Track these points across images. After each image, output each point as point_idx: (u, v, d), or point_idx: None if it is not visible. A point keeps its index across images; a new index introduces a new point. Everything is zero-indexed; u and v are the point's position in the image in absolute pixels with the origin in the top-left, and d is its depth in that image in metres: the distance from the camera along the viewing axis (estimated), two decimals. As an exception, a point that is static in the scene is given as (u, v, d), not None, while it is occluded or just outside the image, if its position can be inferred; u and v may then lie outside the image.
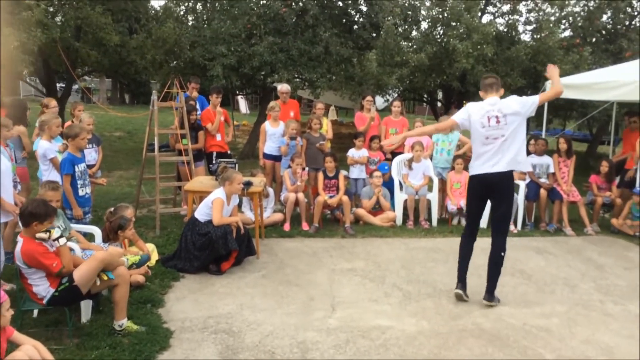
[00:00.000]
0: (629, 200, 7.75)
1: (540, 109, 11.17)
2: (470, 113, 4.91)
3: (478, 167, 4.88)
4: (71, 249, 4.17)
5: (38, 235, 3.70)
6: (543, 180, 7.81)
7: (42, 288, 3.81)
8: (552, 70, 5.03)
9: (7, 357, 3.00)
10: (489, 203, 5.02)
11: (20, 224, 3.85)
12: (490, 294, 4.91)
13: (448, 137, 8.05)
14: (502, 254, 4.90)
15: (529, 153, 8.07)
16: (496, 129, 4.77)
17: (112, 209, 5.55)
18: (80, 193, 5.33)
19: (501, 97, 4.92)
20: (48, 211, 3.77)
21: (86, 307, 4.24)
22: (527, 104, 4.79)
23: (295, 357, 3.85)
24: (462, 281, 4.99)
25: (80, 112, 7.21)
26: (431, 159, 8.12)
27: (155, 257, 5.64)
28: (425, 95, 17.53)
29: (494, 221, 5.03)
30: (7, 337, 3.11)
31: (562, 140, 8.03)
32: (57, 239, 3.74)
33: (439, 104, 17.88)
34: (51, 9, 12.35)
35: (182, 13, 13.03)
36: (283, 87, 8.67)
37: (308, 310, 4.66)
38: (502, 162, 4.75)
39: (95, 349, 3.77)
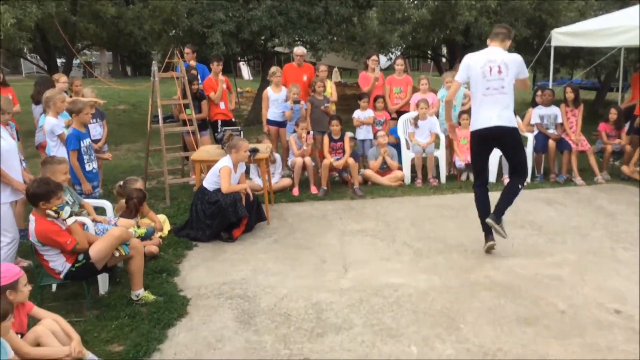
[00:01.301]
0: (638, 147, 7.68)
1: (546, 59, 11.06)
2: (470, 64, 4.87)
3: (480, 121, 4.84)
4: (84, 224, 4.22)
5: (48, 212, 3.74)
6: (551, 131, 7.74)
7: (59, 263, 3.87)
8: None
9: (29, 331, 3.07)
10: (494, 157, 5.04)
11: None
12: (497, 215, 4.92)
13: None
14: (520, 186, 4.96)
15: (535, 104, 7.99)
16: (497, 80, 4.73)
17: (121, 182, 5.60)
18: (87, 168, 5.35)
19: (513, 50, 4.92)
20: (51, 188, 3.77)
21: (103, 279, 4.32)
22: (522, 69, 4.83)
23: (311, 317, 3.91)
24: (489, 232, 4.98)
25: (78, 87, 7.19)
26: (437, 116, 8.05)
27: (167, 227, 5.71)
28: (429, 52, 17.28)
29: (513, 169, 5.08)
30: (27, 312, 3.18)
31: (568, 90, 7.91)
32: (66, 218, 3.78)
33: (444, 60, 17.63)
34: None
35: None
36: (298, 50, 8.50)
37: (320, 272, 4.72)
38: (504, 115, 4.74)
39: (114, 319, 3.86)
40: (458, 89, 5.27)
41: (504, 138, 4.83)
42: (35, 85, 7.31)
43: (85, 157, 5.36)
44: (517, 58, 4.82)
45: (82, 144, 5.32)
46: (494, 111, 4.74)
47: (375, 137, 7.76)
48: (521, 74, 4.83)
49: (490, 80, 4.74)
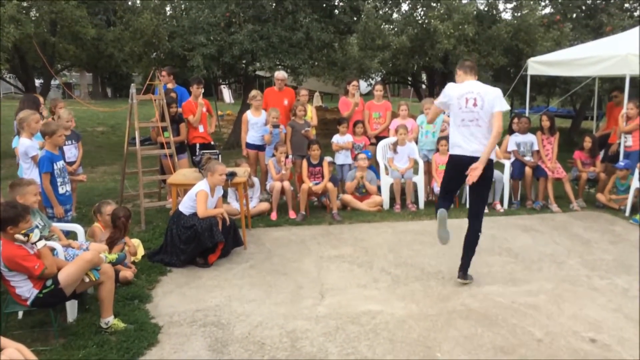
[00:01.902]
0: (613, 175, 7.80)
1: (522, 87, 11.24)
2: (449, 94, 4.90)
3: (453, 147, 4.93)
4: (53, 249, 4.10)
5: (17, 236, 3.63)
6: (527, 158, 7.83)
7: (26, 289, 3.75)
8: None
9: (-10, 361, 2.95)
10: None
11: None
12: (463, 272, 4.96)
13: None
14: (479, 233, 4.96)
15: (512, 132, 8.09)
16: (472, 112, 4.76)
17: (96, 205, 5.50)
18: (61, 191, 5.25)
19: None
20: (18, 212, 3.67)
21: (72, 306, 4.18)
22: (497, 102, 4.74)
23: (285, 346, 3.83)
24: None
25: (61, 109, 7.11)
26: (416, 142, 8.10)
27: (141, 252, 5.59)
28: (409, 78, 17.47)
29: (471, 203, 5.12)
30: (-11, 341, 3.06)
31: (544, 118, 8.04)
32: (35, 242, 3.67)
33: (423, 86, 17.84)
34: (25, 4, 12.09)
35: (158, 3, 12.80)
36: (279, 74, 8.51)
37: (297, 299, 4.65)
38: (473, 146, 4.75)
39: (82, 348, 3.73)
40: (438, 112, 5.34)
41: (481, 169, 4.76)
42: (20, 103, 7.19)
43: (59, 180, 5.26)
44: (494, 91, 4.79)
45: (55, 167, 5.22)
46: (467, 142, 4.78)
47: (355, 159, 7.76)
48: (495, 107, 4.70)
49: (465, 112, 4.78)
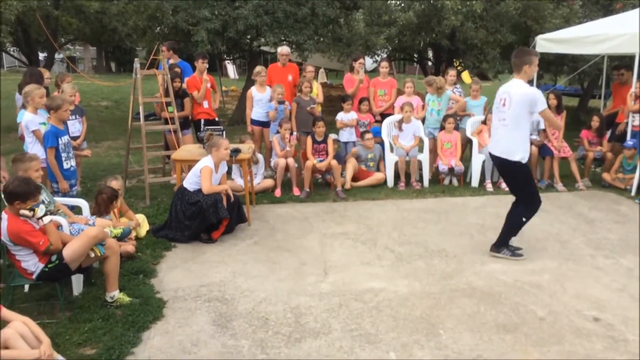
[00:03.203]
0: (619, 154, 7.74)
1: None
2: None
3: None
4: (59, 225, 4.12)
5: (22, 212, 3.64)
6: (534, 137, 7.75)
7: (31, 263, 3.78)
8: None
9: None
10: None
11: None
12: (496, 245, 5.10)
13: (438, 97, 7.96)
14: (522, 218, 5.02)
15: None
16: (502, 112, 4.86)
17: (104, 179, 5.51)
18: (65, 166, 5.24)
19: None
20: (30, 190, 3.68)
21: (77, 280, 4.22)
22: (532, 104, 4.69)
23: (289, 322, 3.86)
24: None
25: (68, 84, 7.07)
26: (424, 120, 8.06)
27: (145, 227, 5.60)
28: (415, 55, 17.30)
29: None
30: (-4, 314, 3.09)
31: (552, 96, 7.94)
32: (41, 217, 3.68)
33: (429, 63, 17.67)
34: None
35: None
36: (283, 50, 8.44)
37: (300, 276, 4.67)
38: (499, 146, 4.92)
39: (88, 322, 3.77)
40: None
41: (500, 167, 5.10)
42: (24, 76, 7.15)
43: (63, 155, 5.25)
44: (525, 92, 4.70)
45: (60, 142, 5.20)
46: (495, 140, 5.00)
47: (362, 138, 7.72)
48: (535, 108, 4.67)
49: (499, 111, 4.91)
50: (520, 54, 4.88)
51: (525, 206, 5.00)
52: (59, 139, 5.19)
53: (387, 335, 3.69)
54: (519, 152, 4.80)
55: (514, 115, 4.75)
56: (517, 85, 4.80)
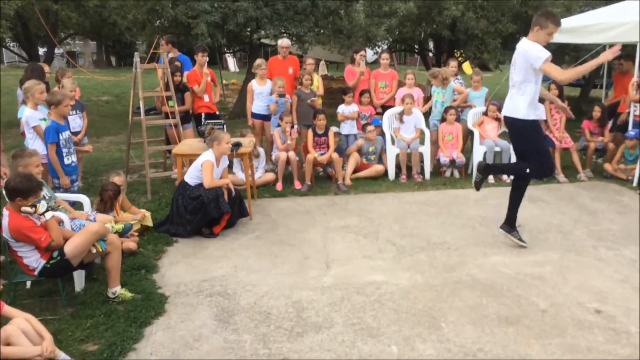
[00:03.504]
0: (621, 145, 7.71)
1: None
2: None
3: None
4: (60, 221, 4.12)
5: (24, 209, 3.64)
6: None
7: (33, 259, 3.78)
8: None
9: (-1, 330, 2.99)
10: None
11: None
12: (507, 223, 5.10)
13: (442, 90, 7.94)
14: (527, 171, 4.91)
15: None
16: (511, 73, 4.86)
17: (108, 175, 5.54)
18: (66, 162, 5.25)
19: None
20: (32, 186, 3.68)
21: (79, 276, 4.22)
22: (530, 58, 4.58)
23: (291, 316, 3.86)
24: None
25: (68, 79, 7.06)
26: (429, 113, 8.06)
27: (149, 223, 5.57)
28: (416, 46, 17.22)
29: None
30: (-2, 311, 3.09)
31: (553, 87, 7.90)
32: (43, 213, 3.68)
33: (430, 54, 17.59)
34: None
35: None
36: (283, 42, 8.39)
37: (302, 269, 4.67)
38: (507, 106, 4.91)
39: (90, 318, 3.78)
40: None
41: (508, 127, 5.09)
42: (25, 72, 7.13)
43: (64, 151, 5.25)
44: (523, 48, 4.65)
45: (61, 137, 5.20)
46: (506, 101, 4.96)
47: (364, 130, 7.69)
48: (533, 62, 4.54)
49: (511, 73, 4.89)
50: (539, 15, 4.75)
51: (525, 163, 4.93)
52: (60, 134, 5.19)
53: (389, 328, 3.69)
54: (523, 109, 4.74)
55: (519, 74, 4.70)
56: (520, 43, 4.75)
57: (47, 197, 4.32)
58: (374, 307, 3.99)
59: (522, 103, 4.75)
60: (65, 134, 5.29)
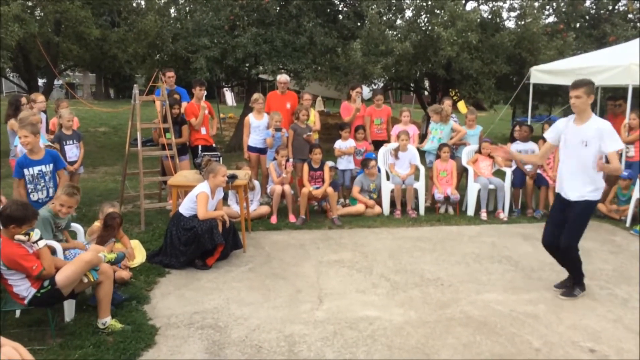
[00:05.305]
0: (614, 185, 7.78)
1: (525, 95, 11.23)
2: None
3: None
4: (53, 250, 4.10)
5: (17, 237, 3.63)
6: (528, 167, 7.81)
7: (23, 288, 3.74)
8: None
9: (-14, 360, 2.93)
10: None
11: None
12: (565, 287, 5.00)
13: (440, 126, 8.05)
14: (570, 251, 4.89)
15: (514, 140, 8.09)
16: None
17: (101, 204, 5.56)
18: (32, 198, 5.04)
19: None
20: (27, 215, 3.67)
21: (69, 306, 4.17)
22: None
23: (282, 350, 3.82)
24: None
25: (65, 109, 7.12)
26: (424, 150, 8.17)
27: (140, 253, 5.54)
28: (412, 84, 17.49)
29: None
30: (-15, 340, 3.04)
31: (547, 126, 8.00)
32: (36, 241, 3.67)
33: (426, 93, 17.84)
34: (29, 3, 12.15)
35: (163, 5, 12.83)
36: (282, 78, 8.51)
37: (295, 303, 4.63)
38: None
39: (78, 349, 3.72)
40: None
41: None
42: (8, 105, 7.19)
43: (30, 187, 5.03)
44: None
45: (27, 172, 5.00)
46: None
47: (367, 167, 7.70)
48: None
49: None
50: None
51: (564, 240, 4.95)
52: (27, 169, 4.99)
53: (382, 364, 3.65)
54: None
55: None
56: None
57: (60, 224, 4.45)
58: (366, 342, 3.95)
59: None
60: (32, 170, 5.04)
